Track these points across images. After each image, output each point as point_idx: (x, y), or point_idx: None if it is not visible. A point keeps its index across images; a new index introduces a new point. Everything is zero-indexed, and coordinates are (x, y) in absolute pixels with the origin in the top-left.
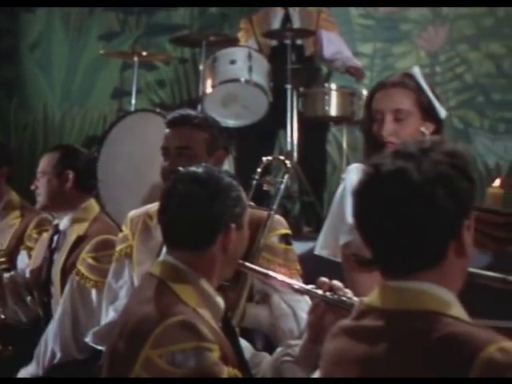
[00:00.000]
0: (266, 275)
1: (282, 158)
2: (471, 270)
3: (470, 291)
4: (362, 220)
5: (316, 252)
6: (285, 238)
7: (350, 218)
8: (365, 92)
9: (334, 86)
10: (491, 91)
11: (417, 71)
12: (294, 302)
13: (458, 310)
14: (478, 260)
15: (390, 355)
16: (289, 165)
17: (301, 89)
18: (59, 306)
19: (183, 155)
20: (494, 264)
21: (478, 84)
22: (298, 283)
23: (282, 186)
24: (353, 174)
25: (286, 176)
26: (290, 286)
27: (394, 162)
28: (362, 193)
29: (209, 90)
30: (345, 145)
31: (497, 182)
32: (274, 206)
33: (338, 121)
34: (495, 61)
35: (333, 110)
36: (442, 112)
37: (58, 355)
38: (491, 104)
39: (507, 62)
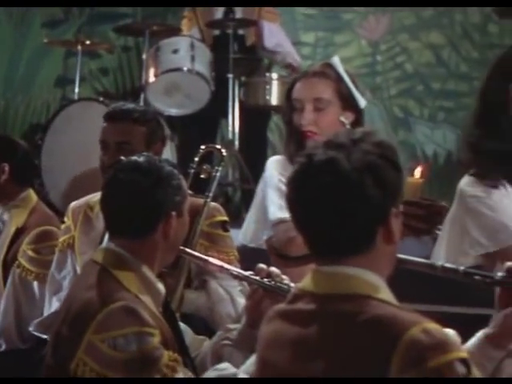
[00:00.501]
0: (206, 261)
1: (218, 146)
2: (400, 256)
3: (399, 276)
4: (295, 208)
5: (241, 241)
6: (222, 225)
7: (271, 214)
8: None
9: (275, 75)
10: (431, 80)
11: (337, 61)
12: (231, 287)
13: (385, 294)
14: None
15: (321, 336)
16: (224, 153)
17: (242, 78)
18: (2, 298)
19: (122, 149)
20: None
21: (417, 73)
22: (236, 269)
23: (218, 174)
24: (272, 168)
25: (222, 164)
26: (228, 271)
27: (326, 152)
28: (295, 181)
29: (152, 79)
30: None
31: (417, 172)
32: (210, 194)
33: (278, 109)
34: (435, 50)
35: (274, 99)
36: (362, 102)
37: (3, 346)
38: (431, 93)
39: (446, 51)
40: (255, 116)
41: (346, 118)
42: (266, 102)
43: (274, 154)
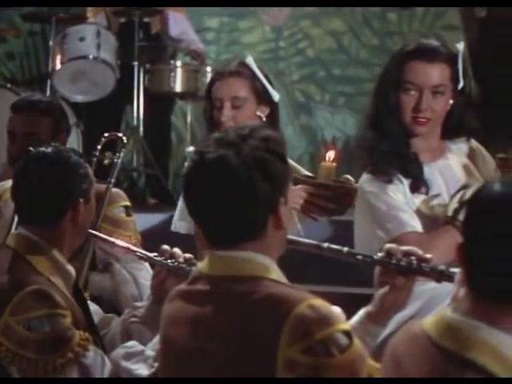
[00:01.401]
0: (113, 243)
1: (119, 134)
2: (290, 237)
3: (290, 258)
4: (190, 202)
5: (172, 229)
6: (125, 210)
7: None
8: (209, 69)
9: (179, 63)
10: (332, 66)
11: (251, 60)
12: (135, 270)
13: (276, 274)
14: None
15: (216, 316)
16: (125, 141)
17: (147, 65)
18: None
19: (29, 140)
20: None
21: (319, 59)
22: (141, 250)
23: (119, 161)
24: None
25: (123, 151)
26: (133, 253)
27: (216, 150)
28: (188, 178)
29: (58, 66)
30: (190, 117)
31: (329, 155)
32: (112, 180)
33: (182, 96)
34: (336, 37)
35: (178, 86)
36: (276, 95)
37: None
38: (332, 79)
39: (347, 38)
40: (160, 102)
41: (262, 112)
42: (170, 89)
43: (179, 138)
